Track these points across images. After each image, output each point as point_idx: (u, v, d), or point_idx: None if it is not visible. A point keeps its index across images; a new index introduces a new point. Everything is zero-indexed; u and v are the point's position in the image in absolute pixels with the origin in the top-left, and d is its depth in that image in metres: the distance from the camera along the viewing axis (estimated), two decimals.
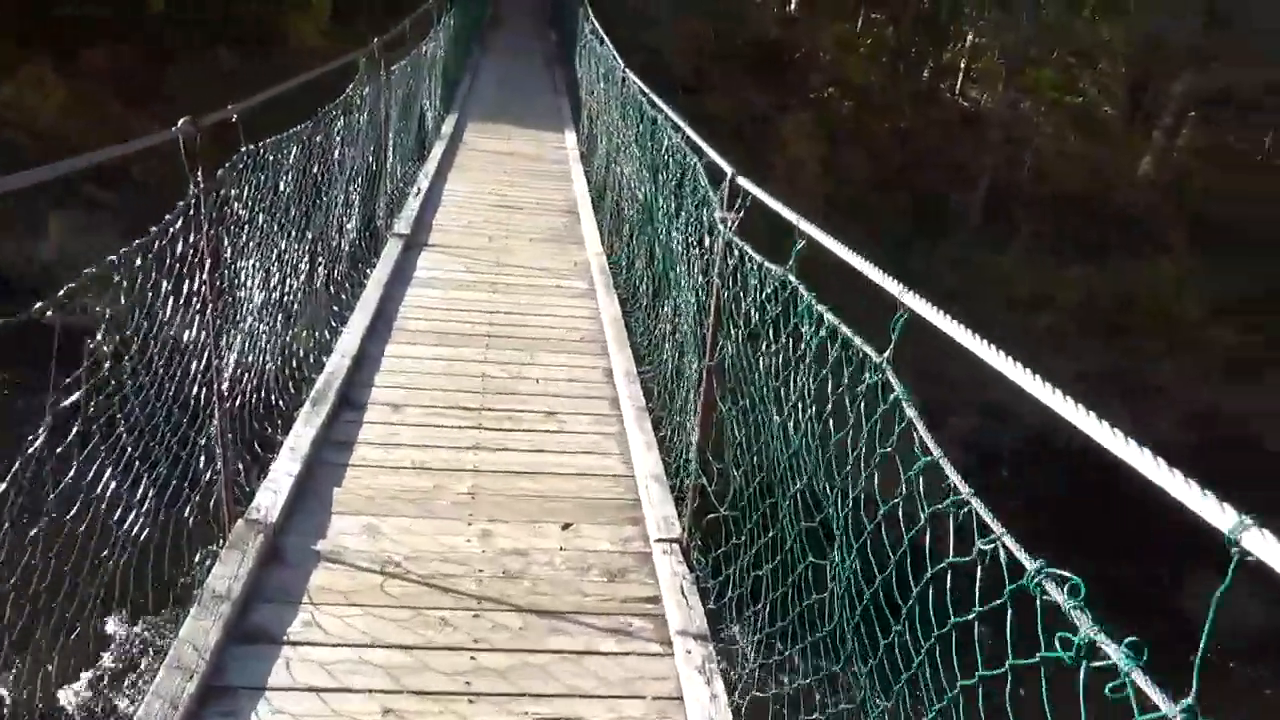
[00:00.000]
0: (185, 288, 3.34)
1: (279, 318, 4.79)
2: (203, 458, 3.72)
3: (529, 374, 5.66)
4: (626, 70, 7.50)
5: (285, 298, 4.85)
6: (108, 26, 17.03)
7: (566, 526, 4.14)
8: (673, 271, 5.41)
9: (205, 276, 3.43)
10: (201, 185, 3.28)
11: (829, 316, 2.58)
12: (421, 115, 10.65)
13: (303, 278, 5.34)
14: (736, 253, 3.39)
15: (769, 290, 3.10)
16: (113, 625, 7.23)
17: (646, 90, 6.59)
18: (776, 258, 3.11)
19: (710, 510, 3.93)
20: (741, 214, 3.46)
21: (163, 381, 3.30)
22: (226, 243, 3.69)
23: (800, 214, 3.64)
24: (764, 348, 3.14)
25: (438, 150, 10.69)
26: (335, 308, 6.14)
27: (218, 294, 3.53)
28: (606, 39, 9.58)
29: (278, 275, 4.69)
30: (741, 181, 3.53)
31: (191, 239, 3.23)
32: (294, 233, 4.98)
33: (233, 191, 3.81)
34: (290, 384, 5.06)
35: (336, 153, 5.86)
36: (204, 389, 3.61)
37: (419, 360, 5.70)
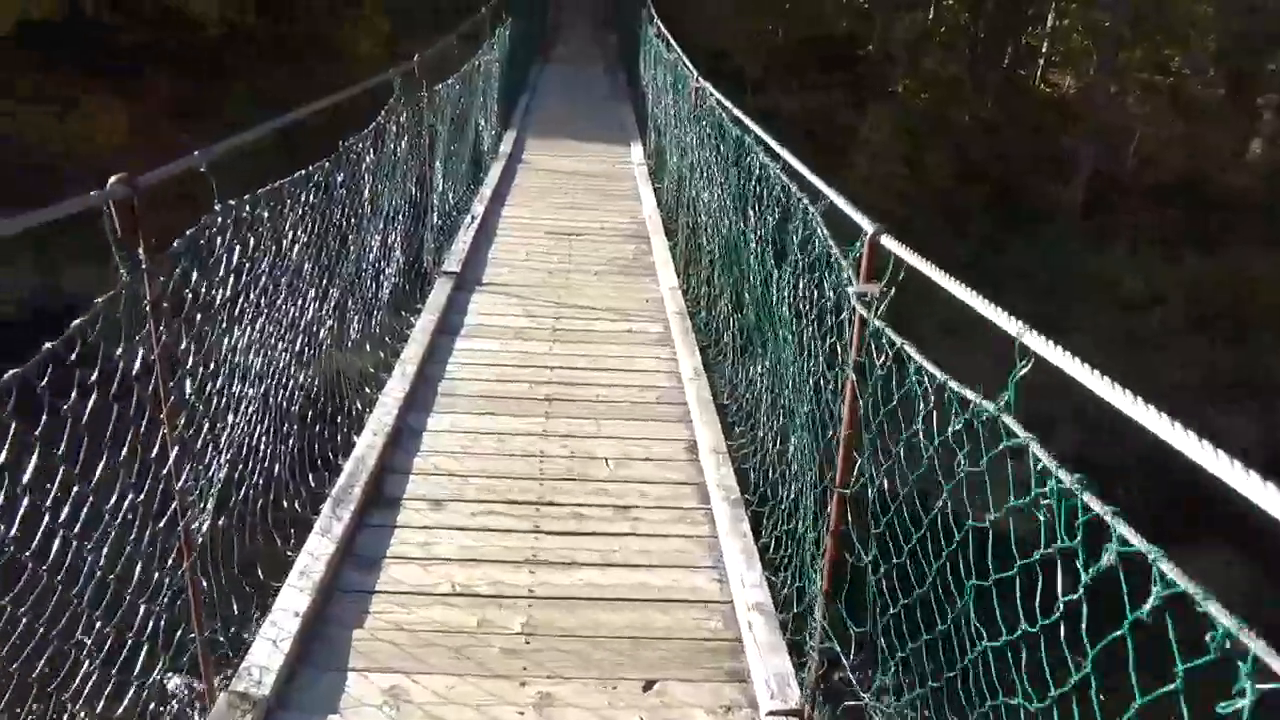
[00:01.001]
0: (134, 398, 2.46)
1: (286, 405, 3.89)
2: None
3: (597, 451, 4.68)
4: (701, 81, 6.47)
5: (290, 386, 3.94)
6: (166, 53, 16.68)
7: (649, 687, 3.15)
8: (769, 327, 4.39)
9: (157, 389, 2.53)
10: (144, 265, 2.37)
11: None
12: (477, 134, 9.79)
13: (324, 345, 4.45)
14: (887, 346, 2.36)
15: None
16: None
17: (727, 104, 5.55)
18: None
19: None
20: (891, 291, 2.43)
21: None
22: (187, 343, 2.77)
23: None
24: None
25: (495, 171, 9.81)
26: (372, 369, 5.26)
27: (174, 411, 2.62)
28: (673, 42, 8.56)
29: (283, 355, 3.79)
30: (889, 244, 2.50)
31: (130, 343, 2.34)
32: (307, 294, 4.09)
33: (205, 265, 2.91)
34: (310, 476, 4.18)
35: (367, 190, 4.96)
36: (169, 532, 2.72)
37: (467, 435, 4.76)
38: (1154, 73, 24.13)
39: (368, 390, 5.03)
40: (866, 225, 2.60)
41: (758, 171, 4.42)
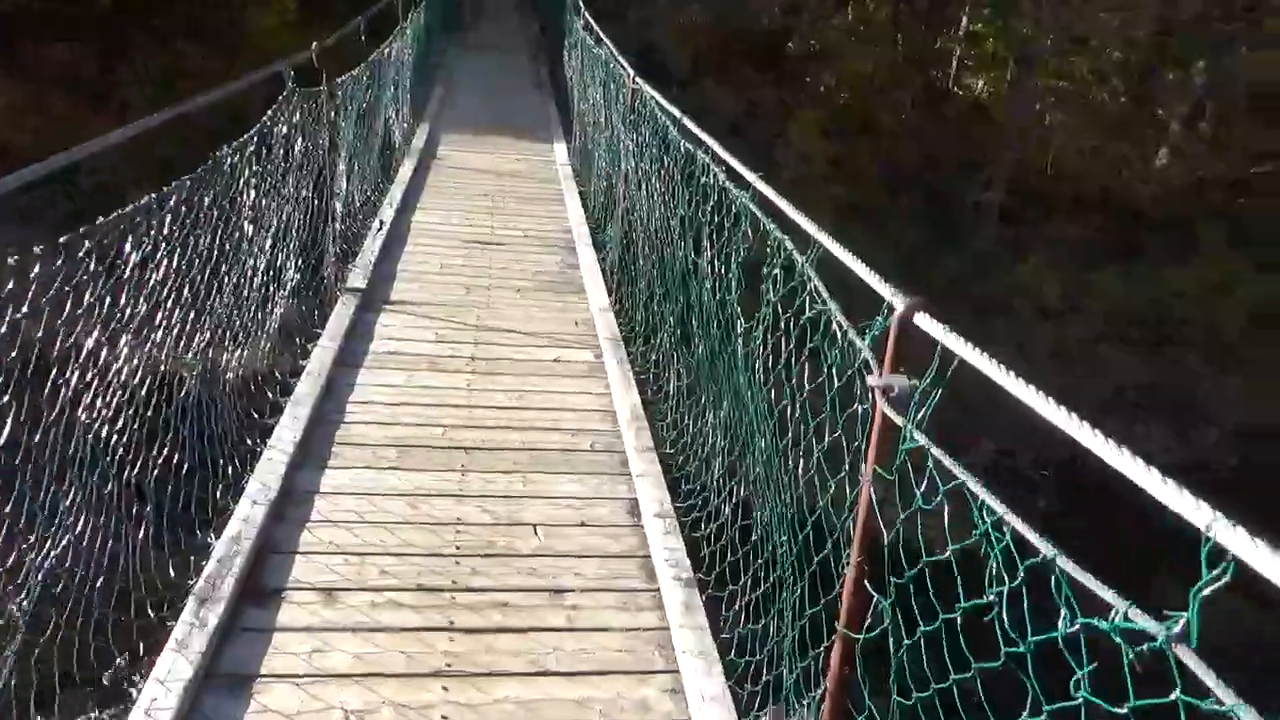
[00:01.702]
0: None
1: (134, 479, 3.11)
2: None
3: (523, 515, 3.98)
4: (639, 81, 5.77)
5: (139, 453, 3.15)
6: (56, 22, 15.24)
7: None
8: (727, 378, 3.76)
9: None
10: None
11: None
12: (387, 128, 8.93)
13: (192, 395, 3.65)
14: (931, 469, 1.74)
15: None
16: None
17: (671, 109, 4.88)
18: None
19: None
20: (934, 393, 1.82)
21: None
22: None
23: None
24: None
25: (406, 170, 8.95)
26: (256, 415, 4.45)
27: None
28: (605, 38, 7.85)
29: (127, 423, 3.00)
30: (928, 325, 1.88)
31: None
32: (162, 338, 3.30)
33: None
34: (171, 563, 3.39)
35: (248, 207, 4.15)
36: None
37: (369, 498, 4.01)
38: (1064, 81, 24.32)
39: (249, 442, 4.23)
40: (893, 298, 1.97)
41: (715, 196, 3.77)
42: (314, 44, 5.38)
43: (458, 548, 3.73)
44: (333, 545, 3.67)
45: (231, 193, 3.79)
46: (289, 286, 5.17)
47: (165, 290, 3.33)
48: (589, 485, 4.28)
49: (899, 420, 1.81)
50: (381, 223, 7.30)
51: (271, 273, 4.77)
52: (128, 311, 2.93)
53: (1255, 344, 16.91)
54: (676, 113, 4.63)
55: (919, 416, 1.79)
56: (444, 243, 7.33)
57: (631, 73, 5.90)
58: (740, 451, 3.44)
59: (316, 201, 5.68)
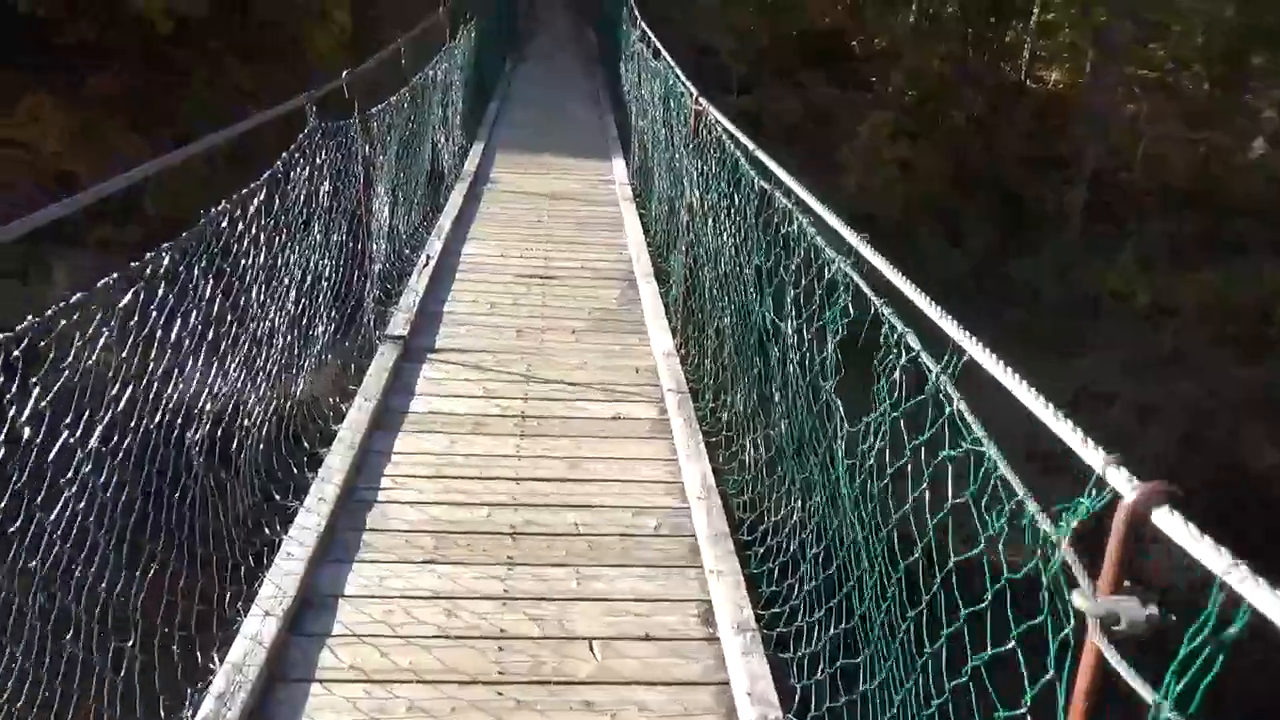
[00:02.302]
0: None
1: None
2: None
3: (577, 625, 3.36)
4: (703, 102, 5.08)
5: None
6: (114, 52, 15.17)
7: None
8: (822, 483, 3.10)
9: None
10: None
11: None
12: (435, 153, 8.43)
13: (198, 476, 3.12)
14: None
15: None
16: None
17: (741, 137, 4.23)
18: None
19: None
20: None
21: None
22: None
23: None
24: None
25: (456, 197, 8.43)
26: (275, 496, 3.92)
27: None
28: (662, 49, 7.20)
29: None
30: (1181, 532, 1.19)
31: None
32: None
33: None
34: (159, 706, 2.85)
35: (259, 266, 3.61)
36: None
37: (401, 603, 3.42)
38: (1147, 68, 22.94)
39: (267, 531, 3.69)
40: (1111, 474, 1.29)
41: (801, 253, 3.11)
42: (344, 73, 4.85)
43: (500, 672, 3.12)
44: (355, 671, 3.10)
45: (233, 254, 3.25)
46: (321, 343, 4.64)
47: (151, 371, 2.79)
48: (654, 583, 3.64)
49: (1143, 690, 1.13)
50: (428, 258, 6.77)
51: (296, 332, 4.23)
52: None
53: None
54: (749, 144, 3.97)
55: (1175, 684, 1.10)
56: (495, 278, 6.77)
57: (694, 92, 5.25)
58: (839, 572, 2.77)
59: (352, 244, 5.15)
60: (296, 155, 3.93)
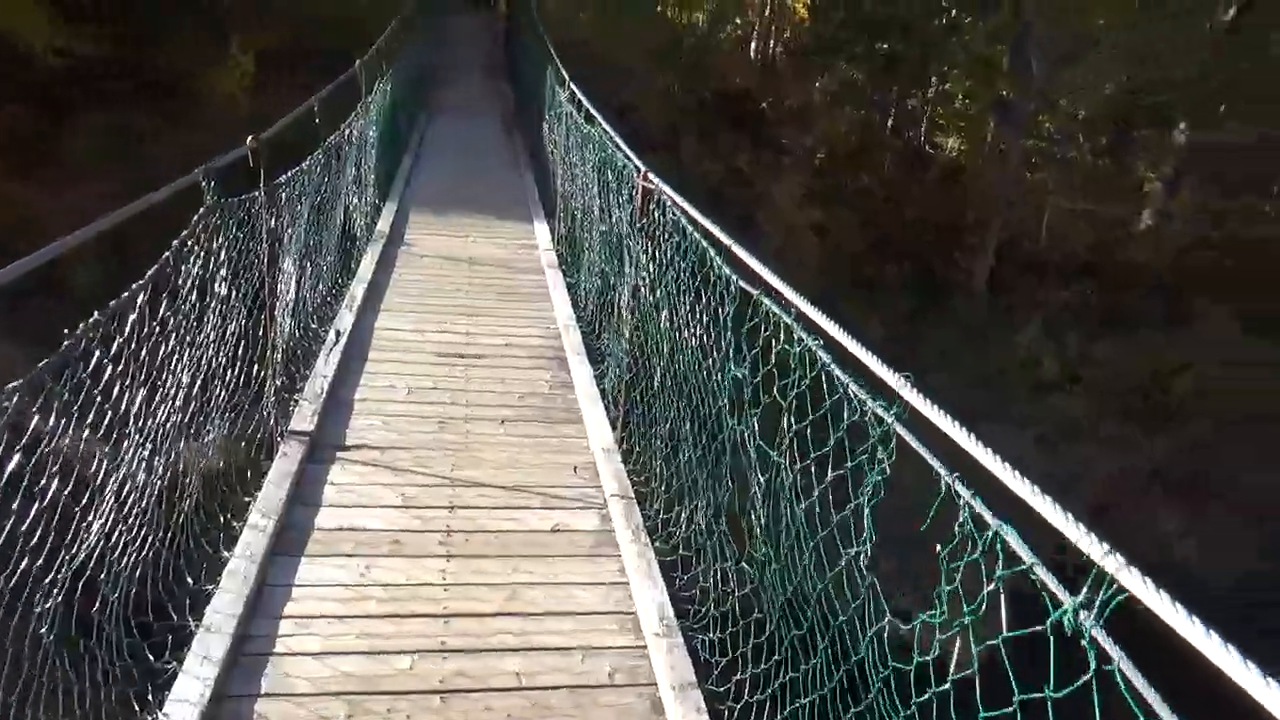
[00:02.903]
0: None
1: None
2: None
3: None
4: (653, 179, 4.57)
5: None
6: None
7: None
8: (812, 618, 2.59)
9: None
10: None
11: None
12: (348, 217, 7.77)
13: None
14: None
15: None
16: None
17: (705, 223, 3.76)
18: None
19: None
20: None
21: None
22: None
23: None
24: None
25: (370, 261, 7.76)
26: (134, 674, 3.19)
27: None
28: (596, 114, 6.73)
29: None
30: None
31: None
32: None
33: None
34: None
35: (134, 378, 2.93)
36: None
37: None
38: (1036, 139, 23.73)
39: None
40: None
41: (797, 369, 2.63)
42: (249, 139, 4.20)
43: None
44: None
45: (104, 379, 2.58)
46: (210, 452, 3.94)
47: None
48: None
49: None
50: (338, 334, 6.08)
51: (184, 444, 3.53)
52: None
53: (1262, 415, 16.07)
54: (723, 237, 3.50)
55: None
56: (412, 357, 6.12)
57: (642, 168, 4.77)
58: None
59: (250, 329, 4.46)
60: (190, 243, 3.27)
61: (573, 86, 8.30)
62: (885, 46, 21.44)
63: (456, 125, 14.43)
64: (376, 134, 9.03)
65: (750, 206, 18.44)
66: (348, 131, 7.24)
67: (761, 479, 3.09)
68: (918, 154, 24.19)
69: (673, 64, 18.90)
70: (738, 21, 23.70)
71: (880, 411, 2.19)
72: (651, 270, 4.62)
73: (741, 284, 3.27)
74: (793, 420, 2.81)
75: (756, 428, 3.14)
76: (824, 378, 2.51)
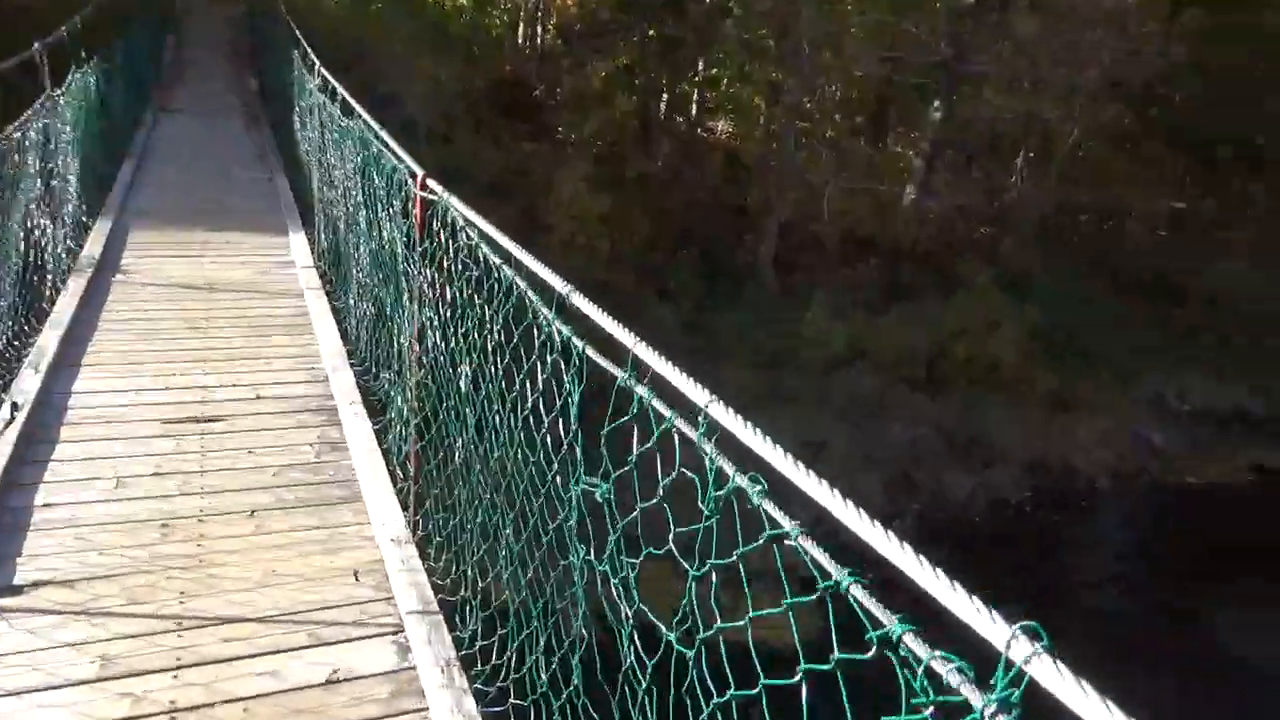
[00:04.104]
0: None
1: None
2: None
3: None
4: (436, 187, 3.33)
5: None
6: None
7: None
8: None
9: None
10: None
11: None
12: (33, 244, 5.96)
13: None
14: None
15: None
16: None
17: (507, 246, 2.61)
18: None
19: None
20: None
21: None
22: None
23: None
24: None
25: (68, 300, 5.98)
26: None
27: None
28: (360, 109, 5.33)
29: None
30: None
31: None
32: None
33: None
34: None
35: None
36: None
37: None
38: (799, 119, 24.00)
39: None
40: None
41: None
42: None
43: None
44: None
45: None
46: None
47: None
48: None
49: None
50: (14, 407, 4.43)
51: None
52: None
53: (1030, 377, 16.79)
54: (541, 269, 2.38)
55: None
56: (125, 430, 4.56)
57: (419, 171, 3.51)
58: None
59: None
60: None
61: (324, 73, 6.82)
62: (657, 32, 20.82)
63: (192, 123, 12.31)
64: (76, 136, 7.15)
65: (534, 198, 17.31)
66: (21, 135, 5.46)
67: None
68: (697, 138, 23.86)
69: (440, 51, 17.35)
70: (506, 5, 22.36)
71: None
72: (443, 311, 3.38)
73: (565, 331, 2.19)
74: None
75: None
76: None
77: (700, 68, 24.06)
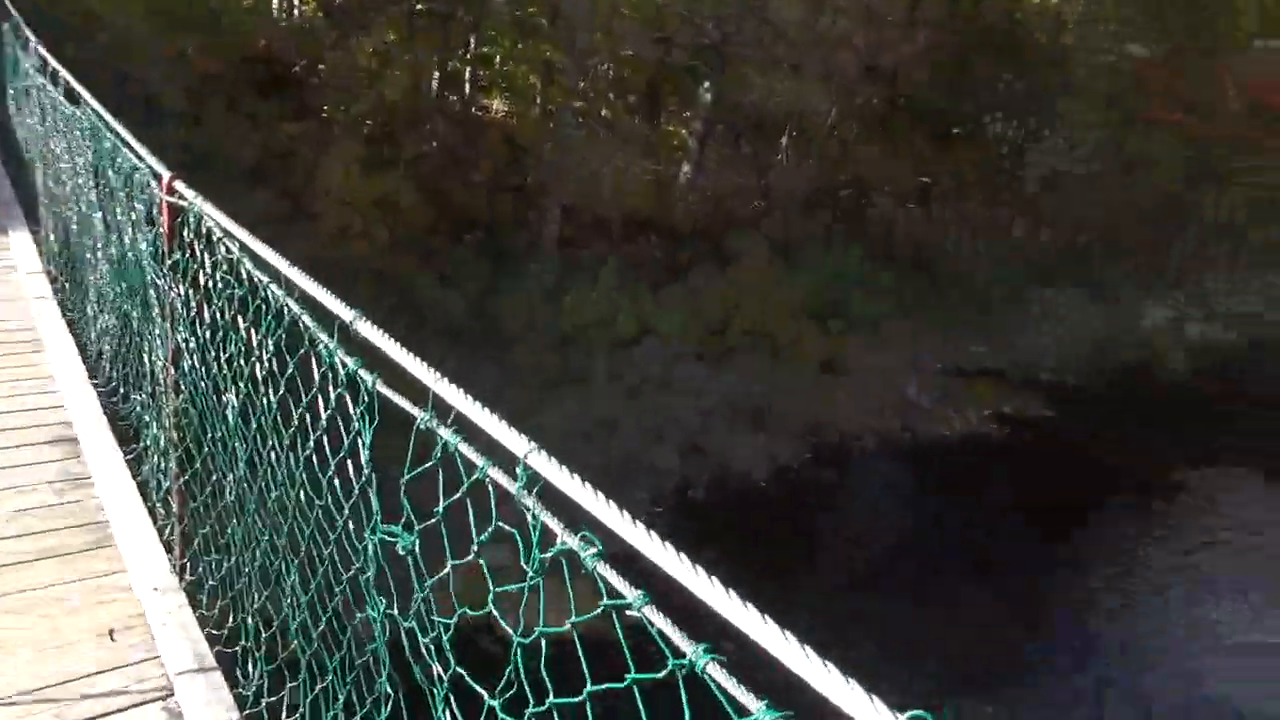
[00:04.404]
0: None
1: None
2: None
3: None
4: (181, 188, 2.86)
5: None
6: None
7: None
8: None
9: None
10: None
11: None
12: None
13: None
14: None
15: None
16: None
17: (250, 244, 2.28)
18: None
19: None
20: None
21: None
22: None
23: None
24: None
25: None
26: None
27: None
28: (86, 94, 4.60)
29: None
30: None
31: None
32: None
33: None
34: None
35: None
36: None
37: None
38: (574, 99, 23.99)
39: None
40: None
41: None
42: None
43: None
44: None
45: None
46: None
47: None
48: None
49: None
50: None
51: None
52: None
53: (803, 344, 17.68)
54: (318, 291, 2.07)
55: None
56: None
57: (164, 174, 3.00)
58: None
59: None
60: None
61: (41, 50, 5.91)
62: (425, 6, 19.99)
63: None
64: None
65: (299, 184, 16.20)
66: None
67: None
68: (473, 118, 23.21)
69: (185, 24, 15.78)
70: None
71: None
72: (201, 332, 2.95)
73: (342, 357, 1.93)
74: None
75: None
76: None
77: (472, 45, 23.42)
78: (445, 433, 1.70)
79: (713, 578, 1.22)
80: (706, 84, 21.31)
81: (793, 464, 16.10)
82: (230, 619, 3.19)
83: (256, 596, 3.00)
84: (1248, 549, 14.72)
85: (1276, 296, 22.77)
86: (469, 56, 23.72)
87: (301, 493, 2.48)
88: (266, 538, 2.89)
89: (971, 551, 14.06)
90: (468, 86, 23.96)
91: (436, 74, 22.78)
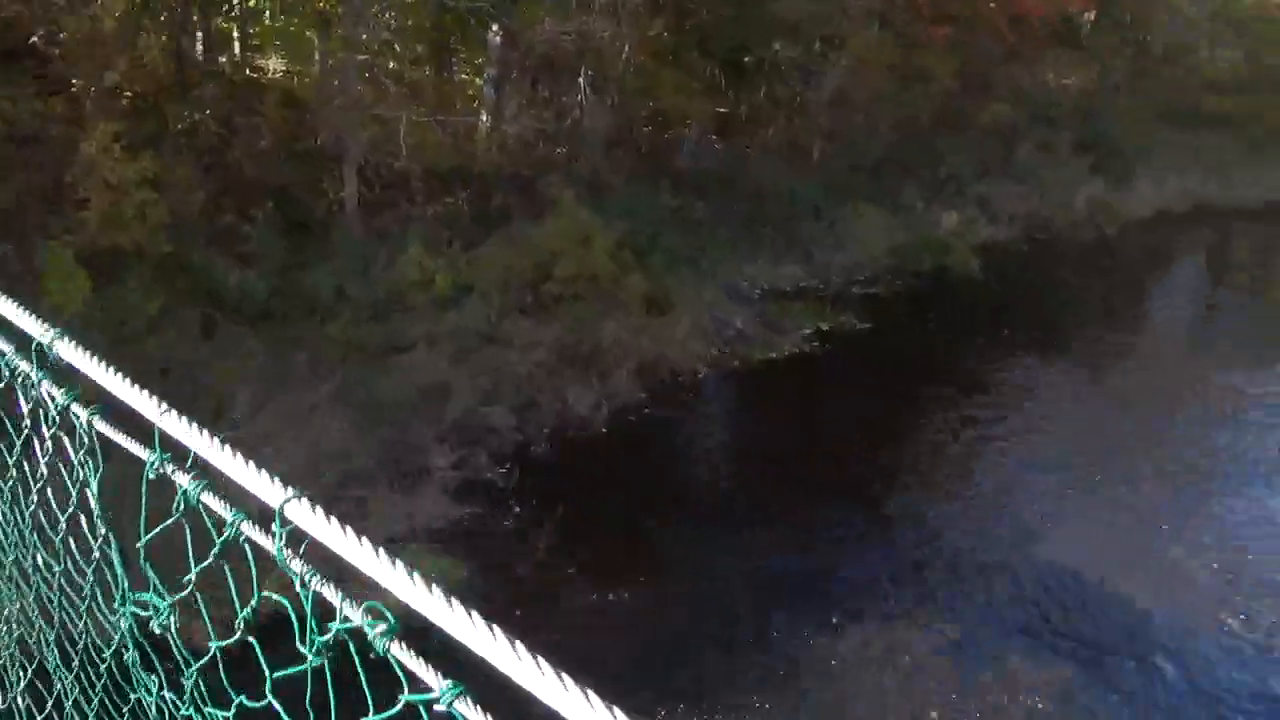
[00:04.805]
0: None
1: None
2: None
3: None
4: None
5: None
6: None
7: None
8: None
9: None
10: None
11: None
12: None
13: None
14: None
15: None
16: None
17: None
18: None
19: None
20: None
21: None
22: None
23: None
24: None
25: None
26: None
27: None
28: None
29: None
30: None
31: None
32: None
33: None
34: None
35: None
36: None
37: None
38: (357, 52, 22.54)
39: None
40: None
41: None
42: None
43: None
44: None
45: None
46: None
47: None
48: None
49: None
50: None
51: None
52: None
53: (625, 284, 17.53)
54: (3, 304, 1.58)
55: None
56: None
57: None
58: None
59: None
60: None
61: None
62: None
63: None
64: None
65: (54, 169, 14.37)
66: None
67: None
68: (248, 80, 21.36)
69: None
70: None
71: None
72: None
73: (100, 425, 1.49)
74: None
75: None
76: None
77: (237, 1, 21.51)
78: (183, 479, 1.30)
79: (515, 642, 0.91)
80: (494, 27, 20.47)
81: (630, 406, 16.04)
82: None
83: (20, 677, 2.47)
84: (1034, 426, 16.14)
85: (1048, 195, 24.63)
86: (235, 14, 21.79)
87: (38, 556, 1.99)
88: (17, 605, 2.36)
89: (809, 466, 14.53)
90: (238, 46, 22.03)
91: (200, 34, 20.76)
